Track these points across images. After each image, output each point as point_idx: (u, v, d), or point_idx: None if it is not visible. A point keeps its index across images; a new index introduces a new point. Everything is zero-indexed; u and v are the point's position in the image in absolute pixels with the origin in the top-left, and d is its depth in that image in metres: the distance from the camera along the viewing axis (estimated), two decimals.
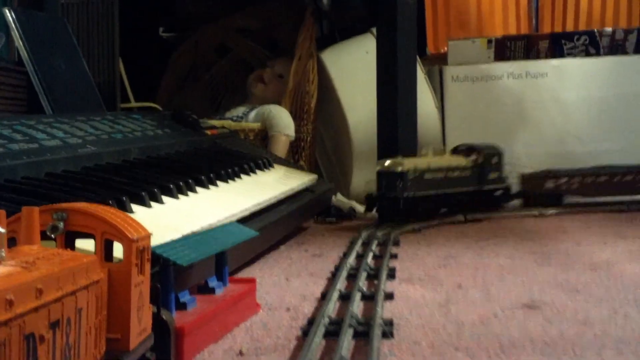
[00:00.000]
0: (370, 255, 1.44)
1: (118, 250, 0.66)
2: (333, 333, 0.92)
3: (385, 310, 1.07)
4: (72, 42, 1.94)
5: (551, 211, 2.16)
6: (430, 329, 0.99)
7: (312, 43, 2.66)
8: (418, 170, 1.93)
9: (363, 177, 2.46)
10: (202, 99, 3.00)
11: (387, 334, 0.95)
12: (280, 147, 2.38)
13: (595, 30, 2.72)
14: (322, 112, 2.71)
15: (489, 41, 2.74)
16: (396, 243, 1.65)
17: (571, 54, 2.68)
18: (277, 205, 1.58)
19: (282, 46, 2.93)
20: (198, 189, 1.33)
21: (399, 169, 1.90)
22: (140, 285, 0.67)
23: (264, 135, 2.41)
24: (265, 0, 3.04)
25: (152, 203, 1.14)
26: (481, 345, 0.91)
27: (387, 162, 1.93)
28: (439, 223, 1.98)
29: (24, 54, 1.73)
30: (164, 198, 1.18)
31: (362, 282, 1.22)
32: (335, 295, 1.11)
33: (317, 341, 0.89)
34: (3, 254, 0.50)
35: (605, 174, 2.22)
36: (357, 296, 1.11)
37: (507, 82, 2.60)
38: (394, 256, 1.51)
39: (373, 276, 1.29)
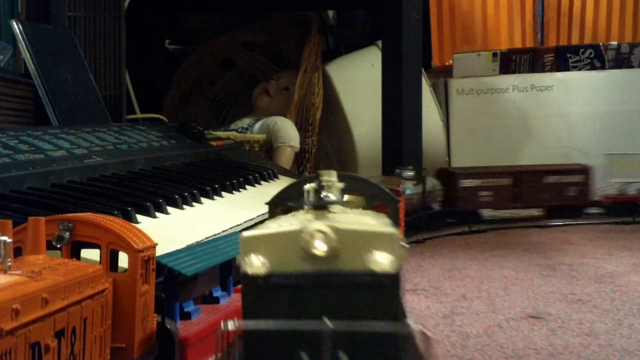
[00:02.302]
0: None
1: (123, 260, 0.66)
2: None
3: None
4: (79, 55, 1.94)
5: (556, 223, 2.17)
6: (435, 339, 0.99)
7: (317, 56, 2.67)
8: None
9: None
10: (207, 112, 3.00)
11: None
12: (285, 159, 2.38)
13: (601, 44, 2.72)
14: (327, 124, 2.72)
15: (494, 54, 2.75)
16: None
17: (576, 67, 2.68)
18: None
19: (287, 60, 2.93)
20: (203, 199, 1.33)
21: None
22: (145, 295, 0.67)
23: (269, 146, 2.42)
24: (270, 15, 3.05)
25: (157, 214, 1.14)
26: (485, 356, 0.92)
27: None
28: (444, 234, 1.98)
29: (30, 66, 1.74)
30: (169, 209, 1.19)
31: None
32: None
33: None
34: (9, 264, 0.51)
35: None
36: None
37: (512, 95, 2.60)
38: None
39: None
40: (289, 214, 0.67)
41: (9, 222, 0.53)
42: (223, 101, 3.06)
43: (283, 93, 2.72)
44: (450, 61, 2.91)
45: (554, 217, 2.24)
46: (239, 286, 1.13)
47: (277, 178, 1.85)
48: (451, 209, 2.18)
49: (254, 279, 0.54)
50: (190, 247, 0.95)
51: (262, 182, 1.71)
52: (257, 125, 2.49)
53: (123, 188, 1.22)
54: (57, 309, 0.51)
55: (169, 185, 1.33)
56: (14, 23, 1.76)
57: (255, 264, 0.53)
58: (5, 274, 0.49)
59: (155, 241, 0.70)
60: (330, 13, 3.33)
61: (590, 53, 2.68)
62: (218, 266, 1.00)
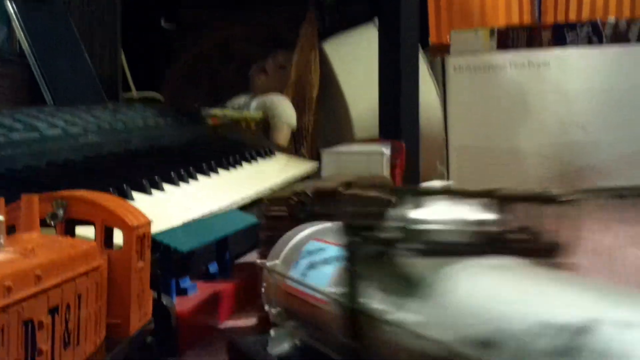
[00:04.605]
0: None
1: (119, 237, 0.66)
2: None
3: None
4: (74, 34, 1.93)
5: None
6: None
7: (314, 34, 2.66)
8: None
9: None
10: (204, 90, 2.99)
11: None
12: (282, 137, 2.38)
13: (598, 20, 2.71)
14: (324, 103, 2.71)
15: (492, 32, 2.73)
16: None
17: (574, 43, 2.67)
18: None
19: (284, 37, 2.92)
20: (199, 176, 1.33)
21: None
22: (141, 271, 0.67)
23: (266, 124, 2.41)
24: None
25: (153, 191, 1.13)
26: None
27: None
28: None
29: (25, 45, 1.73)
30: (165, 186, 1.18)
31: None
32: None
33: None
34: (2, 242, 0.50)
35: None
36: None
37: (510, 73, 2.59)
38: None
39: None
40: None
41: (1, 200, 0.52)
42: (220, 79, 3.05)
43: (280, 71, 2.71)
44: (448, 38, 2.90)
45: None
46: (236, 262, 1.13)
47: (274, 155, 1.84)
48: None
49: None
50: (186, 224, 0.95)
51: (258, 159, 1.70)
52: (254, 103, 2.48)
53: (119, 166, 1.21)
54: (51, 285, 0.51)
55: (165, 162, 1.32)
56: (8, 2, 1.75)
57: None
58: None
59: (151, 218, 0.70)
60: None
61: (588, 29, 2.66)
62: (214, 243, 1.00)
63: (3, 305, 0.44)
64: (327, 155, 1.23)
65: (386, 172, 1.11)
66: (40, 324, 0.49)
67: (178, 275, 0.87)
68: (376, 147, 1.23)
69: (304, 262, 0.68)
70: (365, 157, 1.12)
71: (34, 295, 0.48)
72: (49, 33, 1.83)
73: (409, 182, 1.71)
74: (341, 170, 1.09)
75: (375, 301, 0.51)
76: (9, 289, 0.45)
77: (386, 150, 1.15)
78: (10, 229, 0.60)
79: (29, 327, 0.48)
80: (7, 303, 0.44)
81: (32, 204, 0.59)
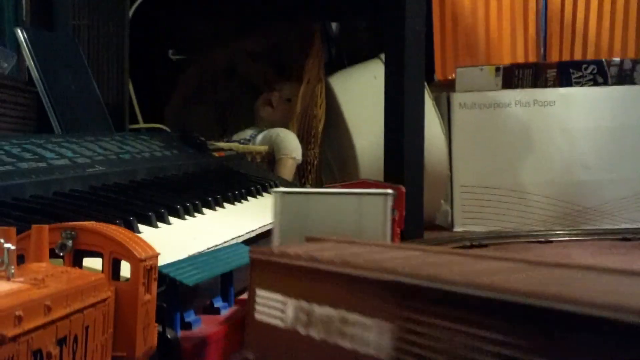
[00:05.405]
0: None
1: (126, 269, 0.66)
2: None
3: None
4: (83, 63, 1.95)
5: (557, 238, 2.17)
6: None
7: (320, 67, 2.67)
8: None
9: None
10: (209, 120, 3.00)
11: None
12: (287, 170, 2.39)
13: (604, 59, 2.72)
14: (329, 136, 2.72)
15: (497, 69, 2.75)
16: None
17: (579, 83, 2.68)
18: None
19: (289, 69, 2.94)
20: (205, 210, 1.33)
21: None
22: (147, 304, 0.67)
23: (271, 158, 2.42)
24: (273, 23, 3.05)
25: (159, 223, 1.14)
26: None
27: None
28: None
29: (34, 73, 1.74)
30: (171, 218, 1.19)
31: None
32: None
33: None
34: (12, 271, 0.51)
35: None
36: None
37: (515, 110, 2.60)
38: None
39: None
40: None
41: (13, 229, 0.53)
42: (225, 109, 3.06)
43: (285, 104, 2.72)
44: (453, 75, 2.92)
45: None
46: (240, 297, 1.13)
47: None
48: None
49: None
50: (191, 257, 0.95)
51: (264, 194, 1.71)
52: (260, 137, 2.49)
53: (125, 197, 1.22)
54: (60, 316, 0.51)
55: (171, 195, 1.33)
56: (18, 30, 1.76)
57: None
58: (8, 281, 0.50)
59: (157, 251, 0.70)
60: (334, 25, 3.33)
61: (593, 69, 2.68)
62: (219, 276, 1.01)
63: (13, 334, 0.44)
64: (284, 197, 0.90)
65: (388, 222, 0.85)
66: (49, 354, 0.50)
67: (183, 309, 0.87)
68: (374, 189, 0.93)
69: None
70: (356, 201, 0.83)
71: (44, 326, 0.49)
72: (58, 62, 1.84)
73: (411, 227, 1.66)
74: (309, 218, 0.85)
75: None
76: (19, 319, 0.45)
77: (391, 193, 0.87)
78: (20, 259, 0.61)
79: (38, 357, 0.48)
80: (17, 333, 0.45)
81: (42, 234, 0.59)
